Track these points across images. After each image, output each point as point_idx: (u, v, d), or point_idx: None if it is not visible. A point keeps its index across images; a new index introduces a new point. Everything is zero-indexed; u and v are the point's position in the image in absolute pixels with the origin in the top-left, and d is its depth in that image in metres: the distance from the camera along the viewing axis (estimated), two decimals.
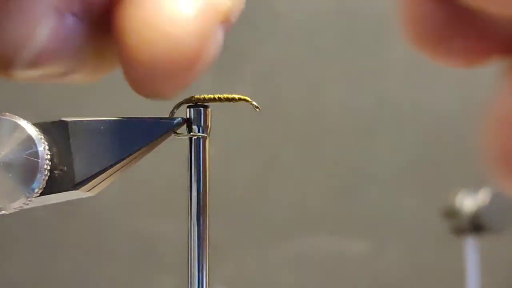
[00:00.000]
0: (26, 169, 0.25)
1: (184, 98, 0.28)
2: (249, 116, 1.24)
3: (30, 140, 0.26)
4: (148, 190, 1.22)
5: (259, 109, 0.28)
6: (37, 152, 0.26)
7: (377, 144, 1.30)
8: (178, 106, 0.28)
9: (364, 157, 1.29)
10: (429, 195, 1.29)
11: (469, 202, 1.00)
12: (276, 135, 1.27)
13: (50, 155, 0.26)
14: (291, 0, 1.30)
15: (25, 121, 0.26)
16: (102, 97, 1.23)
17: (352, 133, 1.29)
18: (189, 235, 0.28)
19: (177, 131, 0.28)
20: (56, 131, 0.27)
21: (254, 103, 0.29)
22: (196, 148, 0.28)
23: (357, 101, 1.30)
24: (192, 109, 0.28)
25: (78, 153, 0.26)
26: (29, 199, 0.26)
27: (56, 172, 0.26)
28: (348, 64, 1.30)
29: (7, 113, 0.26)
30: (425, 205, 1.29)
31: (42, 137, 0.26)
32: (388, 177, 1.29)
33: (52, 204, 0.29)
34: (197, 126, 0.28)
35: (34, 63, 0.23)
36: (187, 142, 0.28)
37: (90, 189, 0.27)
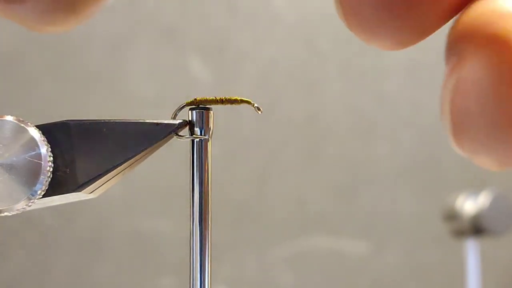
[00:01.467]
0: (29, 171, 0.26)
1: (186, 101, 0.28)
2: (248, 116, 1.24)
3: (32, 142, 0.26)
4: (148, 190, 1.22)
5: (261, 111, 0.28)
6: (39, 154, 0.26)
7: (377, 144, 1.30)
8: (180, 108, 0.28)
9: (364, 157, 1.29)
10: (429, 196, 1.29)
11: (469, 204, 1.00)
12: (276, 135, 1.27)
13: (52, 157, 0.26)
14: (291, 0, 1.30)
15: (28, 123, 0.26)
16: (103, 99, 1.23)
17: (352, 133, 1.29)
18: (191, 236, 0.28)
19: (179, 133, 0.28)
20: (58, 133, 0.27)
21: (256, 105, 0.29)
22: (198, 150, 0.28)
23: (357, 101, 1.30)
24: (194, 111, 0.28)
25: (80, 155, 0.26)
26: (31, 201, 0.26)
27: (58, 174, 0.26)
28: (348, 64, 1.30)
29: (9, 115, 0.26)
30: (425, 206, 1.29)
31: (45, 138, 0.26)
32: (388, 178, 1.29)
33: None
34: (199, 128, 0.28)
35: None
36: (188, 144, 0.29)
37: (93, 191, 0.28)
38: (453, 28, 0.18)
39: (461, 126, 0.18)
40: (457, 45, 0.18)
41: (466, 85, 0.17)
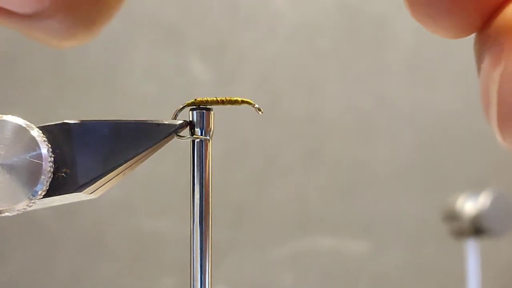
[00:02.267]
0: (30, 171, 0.26)
1: (187, 101, 0.28)
2: (248, 116, 1.24)
3: (33, 142, 0.26)
4: (148, 190, 1.22)
5: (262, 112, 0.28)
6: (40, 154, 0.26)
7: (377, 145, 1.30)
8: (181, 108, 0.28)
9: (364, 157, 1.29)
10: (429, 196, 1.29)
11: (470, 205, 1.00)
12: (276, 135, 1.27)
13: (53, 157, 0.26)
14: (291, 0, 1.30)
15: (28, 123, 0.26)
16: (103, 99, 1.23)
17: (352, 133, 1.29)
18: (191, 236, 0.28)
19: (180, 134, 0.28)
20: (59, 133, 0.27)
21: (256, 105, 0.29)
22: (198, 150, 0.28)
23: (357, 101, 1.30)
24: (194, 112, 0.28)
25: (81, 155, 0.26)
26: (32, 201, 0.26)
27: (59, 174, 0.26)
28: (348, 64, 1.30)
29: (10, 115, 0.26)
30: (425, 206, 1.29)
31: (45, 139, 0.26)
32: (388, 178, 1.29)
33: None
34: (200, 128, 0.28)
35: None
36: (189, 144, 0.29)
37: (93, 192, 0.28)
38: (492, 22, 0.19)
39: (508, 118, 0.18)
40: (498, 38, 0.18)
41: None
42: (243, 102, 0.28)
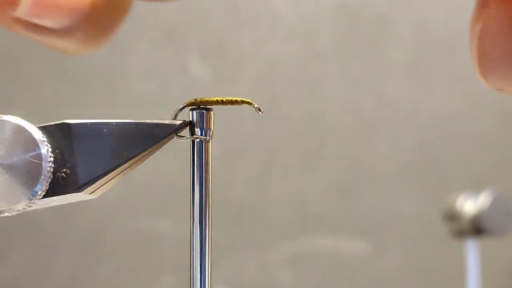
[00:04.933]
0: (29, 171, 0.26)
1: (187, 101, 0.28)
2: (248, 116, 1.24)
3: (33, 142, 0.26)
4: (148, 190, 1.22)
5: (262, 112, 0.28)
6: (40, 154, 0.26)
7: (377, 145, 1.30)
8: (181, 108, 0.28)
9: (364, 157, 1.29)
10: (429, 196, 1.29)
11: (469, 204, 1.00)
12: (276, 135, 1.27)
13: (53, 157, 0.26)
14: (291, 0, 1.30)
15: (28, 123, 0.26)
16: (103, 99, 1.23)
17: (352, 133, 1.29)
18: (191, 236, 0.28)
19: (180, 134, 0.28)
20: (59, 133, 0.27)
21: (256, 105, 0.29)
22: (198, 150, 0.28)
23: (357, 101, 1.30)
24: (194, 112, 0.28)
25: (81, 156, 0.26)
26: (32, 202, 0.26)
27: (59, 174, 0.26)
28: (348, 64, 1.30)
29: (10, 115, 0.26)
30: (425, 206, 1.29)
31: (45, 139, 0.26)
32: (388, 178, 1.29)
33: None
34: (200, 128, 0.28)
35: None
36: (189, 144, 0.29)
37: (93, 192, 0.28)
38: None
39: (486, 64, 0.21)
40: None
41: (490, 33, 0.21)
42: (243, 102, 0.28)
